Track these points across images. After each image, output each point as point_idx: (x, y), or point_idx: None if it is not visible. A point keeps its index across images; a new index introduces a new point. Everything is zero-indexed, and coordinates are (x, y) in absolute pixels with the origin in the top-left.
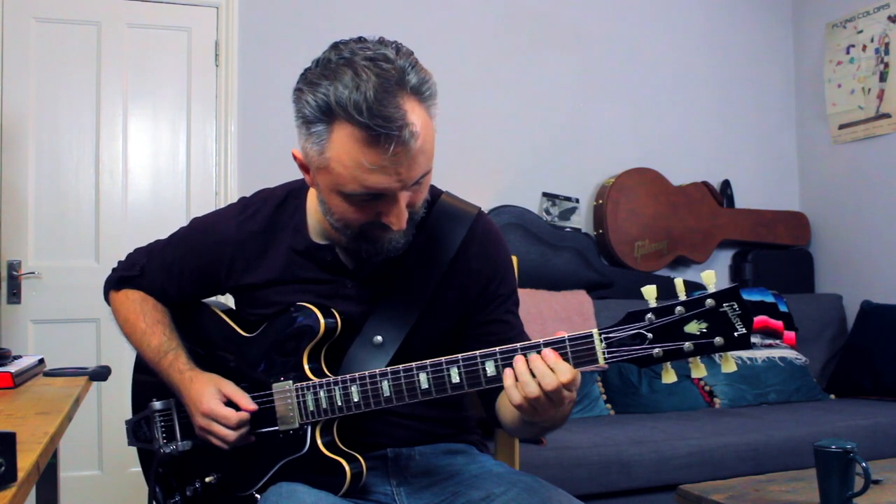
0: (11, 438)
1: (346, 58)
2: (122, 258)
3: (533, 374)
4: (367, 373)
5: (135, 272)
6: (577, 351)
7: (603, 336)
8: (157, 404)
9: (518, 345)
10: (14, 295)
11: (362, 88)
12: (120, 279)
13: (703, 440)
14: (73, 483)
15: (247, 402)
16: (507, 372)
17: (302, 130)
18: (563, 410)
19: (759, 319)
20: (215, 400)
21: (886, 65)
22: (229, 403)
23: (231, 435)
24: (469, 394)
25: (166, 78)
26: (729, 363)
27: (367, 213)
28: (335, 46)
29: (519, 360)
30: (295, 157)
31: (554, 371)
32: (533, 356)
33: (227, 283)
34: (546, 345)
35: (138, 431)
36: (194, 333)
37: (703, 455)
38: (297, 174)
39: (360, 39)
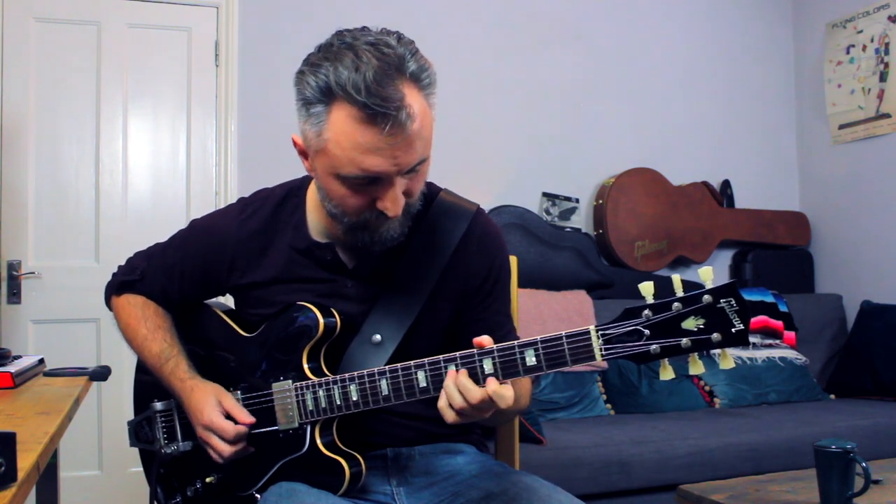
0: (11, 438)
1: (349, 42)
2: (122, 260)
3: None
4: (365, 371)
5: (135, 276)
6: (573, 348)
7: (600, 332)
8: (159, 405)
9: (515, 342)
10: (14, 295)
11: (362, 70)
12: (121, 284)
13: (703, 440)
14: (73, 483)
15: (245, 416)
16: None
17: (302, 112)
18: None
19: (759, 319)
20: (216, 412)
21: (886, 65)
22: (229, 417)
23: (227, 449)
24: None
25: (166, 78)
26: (727, 360)
27: (364, 197)
28: (339, 33)
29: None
30: (294, 143)
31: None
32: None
33: (228, 282)
34: (543, 342)
35: (140, 432)
36: (194, 334)
37: (703, 455)
38: (298, 173)
39: (363, 28)
